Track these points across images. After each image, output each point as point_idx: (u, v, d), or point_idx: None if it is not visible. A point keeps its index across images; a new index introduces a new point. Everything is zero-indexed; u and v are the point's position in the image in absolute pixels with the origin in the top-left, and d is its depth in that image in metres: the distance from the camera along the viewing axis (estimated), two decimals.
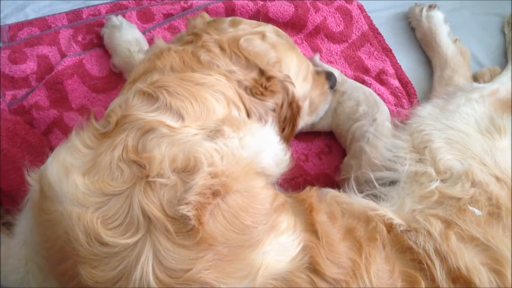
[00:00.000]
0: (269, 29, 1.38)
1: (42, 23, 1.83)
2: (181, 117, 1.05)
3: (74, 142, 1.04)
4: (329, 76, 1.59)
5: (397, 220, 1.08)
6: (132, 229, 0.90)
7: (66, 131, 1.59)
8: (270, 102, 1.25)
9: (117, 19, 1.77)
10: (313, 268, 0.94)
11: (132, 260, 0.88)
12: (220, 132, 1.05)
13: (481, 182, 1.15)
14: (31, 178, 1.06)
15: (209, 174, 0.95)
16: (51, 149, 1.46)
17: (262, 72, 1.24)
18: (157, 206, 0.91)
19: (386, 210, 1.11)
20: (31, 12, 1.87)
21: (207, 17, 1.44)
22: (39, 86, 1.67)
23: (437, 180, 1.17)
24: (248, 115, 1.21)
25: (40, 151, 1.40)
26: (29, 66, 1.71)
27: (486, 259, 1.02)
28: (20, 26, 1.82)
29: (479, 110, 1.32)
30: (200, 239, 0.88)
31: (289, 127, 1.35)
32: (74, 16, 1.85)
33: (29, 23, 1.83)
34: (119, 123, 1.04)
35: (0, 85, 1.64)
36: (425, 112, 1.36)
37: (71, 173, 0.96)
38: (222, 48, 1.23)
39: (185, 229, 0.89)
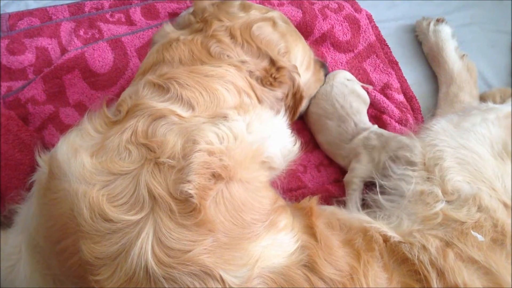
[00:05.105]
0: (278, 16, 1.39)
1: (43, 14, 1.79)
2: (191, 107, 1.07)
3: (85, 126, 1.07)
4: (323, 65, 1.64)
5: (391, 233, 1.08)
6: (137, 207, 0.91)
7: (60, 128, 1.55)
8: (279, 92, 1.26)
9: None
10: (310, 266, 0.95)
11: (132, 237, 0.88)
12: (224, 116, 1.05)
13: (488, 208, 1.13)
14: (41, 159, 1.08)
15: (206, 151, 0.96)
16: (44, 145, 1.43)
17: (272, 62, 1.24)
18: (163, 186, 0.92)
19: (381, 224, 1.11)
20: (32, 2, 1.83)
21: None
22: (37, 79, 1.62)
23: (443, 201, 1.16)
24: (260, 103, 1.22)
25: (32, 150, 1.35)
26: (27, 58, 1.67)
27: (487, 283, 1.02)
28: (20, 15, 1.77)
29: (495, 132, 1.28)
30: (200, 221, 0.89)
31: (289, 116, 1.34)
32: (76, 8, 1.81)
33: (30, 13, 1.79)
34: (130, 111, 1.06)
35: None
36: (439, 127, 1.32)
37: (79, 153, 0.98)
38: (233, 37, 1.23)
39: (188, 209, 0.90)
